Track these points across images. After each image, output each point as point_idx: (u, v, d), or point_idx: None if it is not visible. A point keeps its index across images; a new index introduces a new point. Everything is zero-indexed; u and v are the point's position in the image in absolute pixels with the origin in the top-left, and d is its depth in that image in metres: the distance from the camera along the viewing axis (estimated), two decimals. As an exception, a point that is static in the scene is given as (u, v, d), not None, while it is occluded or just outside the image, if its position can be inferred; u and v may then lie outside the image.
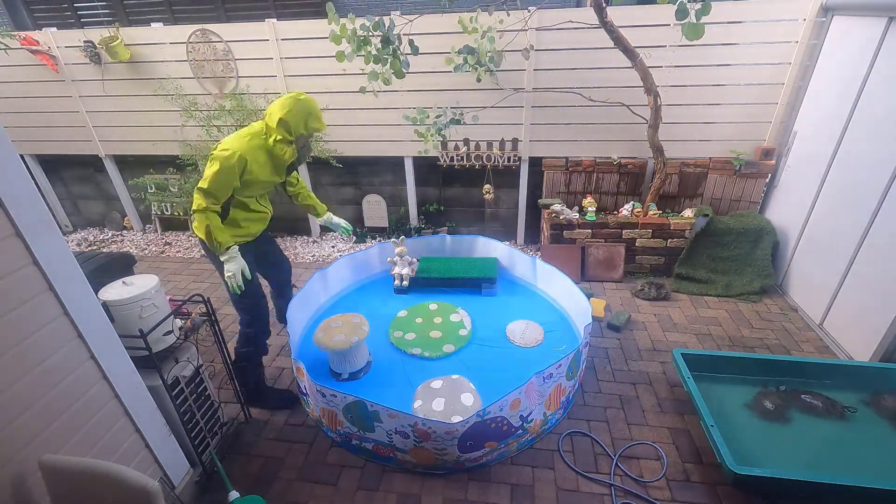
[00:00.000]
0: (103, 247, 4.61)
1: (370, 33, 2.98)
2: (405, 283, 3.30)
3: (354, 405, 1.99)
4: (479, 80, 3.49)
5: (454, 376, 2.45)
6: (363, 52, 3.02)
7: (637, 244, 3.59)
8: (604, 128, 3.68)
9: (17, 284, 1.32)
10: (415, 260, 3.40)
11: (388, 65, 3.05)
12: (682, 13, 2.44)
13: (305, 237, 4.65)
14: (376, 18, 2.94)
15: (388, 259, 3.42)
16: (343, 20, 2.96)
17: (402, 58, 3.07)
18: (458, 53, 3.28)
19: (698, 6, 2.41)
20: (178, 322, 1.97)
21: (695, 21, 2.44)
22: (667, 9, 3.05)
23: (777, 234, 3.36)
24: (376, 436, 2.03)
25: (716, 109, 3.51)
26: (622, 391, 2.51)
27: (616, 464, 2.08)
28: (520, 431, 2.06)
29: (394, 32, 2.99)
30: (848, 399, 2.29)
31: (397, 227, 4.43)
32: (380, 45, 3.00)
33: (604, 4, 2.84)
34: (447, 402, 2.27)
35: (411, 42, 3.12)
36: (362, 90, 3.26)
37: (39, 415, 1.39)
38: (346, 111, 3.94)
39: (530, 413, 2.06)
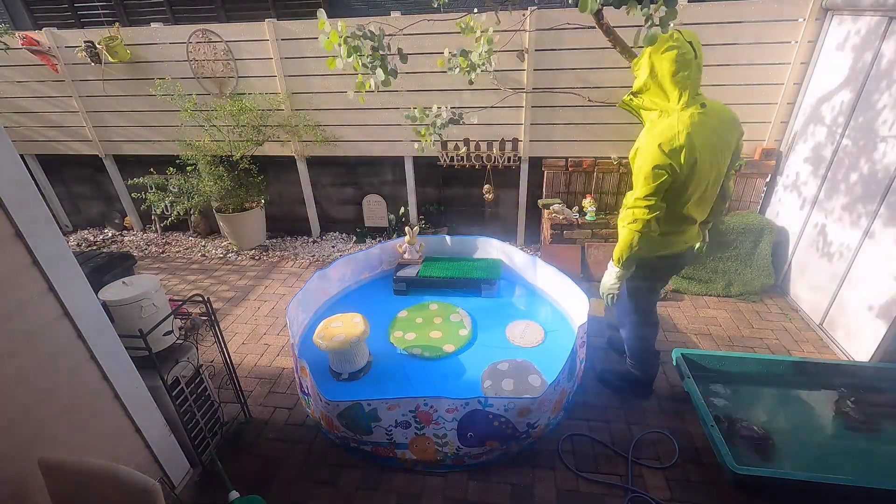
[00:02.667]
0: (103, 247, 4.61)
1: (360, 40, 2.98)
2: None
3: (347, 411, 1.99)
4: (471, 83, 3.47)
5: (519, 359, 2.52)
6: (357, 58, 3.02)
7: (637, 244, 3.58)
8: (604, 128, 3.68)
9: (17, 284, 1.32)
10: (420, 252, 3.50)
11: (376, 73, 3.04)
12: (650, 20, 2.46)
13: (305, 237, 4.65)
14: (365, 27, 2.94)
15: (398, 246, 3.50)
16: (332, 28, 2.96)
17: (390, 66, 3.06)
18: (452, 56, 3.27)
19: (662, 13, 2.42)
20: (178, 322, 1.97)
21: (658, 25, 2.44)
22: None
23: (777, 234, 3.36)
24: (374, 437, 2.03)
25: (716, 109, 3.51)
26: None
27: (616, 464, 2.08)
28: (524, 436, 2.06)
29: (383, 40, 2.98)
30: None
31: (398, 227, 4.44)
32: (369, 52, 2.99)
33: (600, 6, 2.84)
34: (516, 382, 2.33)
35: (400, 50, 3.12)
36: (353, 94, 3.26)
37: (39, 415, 1.39)
38: (346, 111, 3.94)
39: (537, 420, 2.06)
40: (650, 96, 1.80)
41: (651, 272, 2.06)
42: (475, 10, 3.21)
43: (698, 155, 1.70)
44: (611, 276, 2.01)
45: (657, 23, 2.42)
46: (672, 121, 1.71)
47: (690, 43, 1.64)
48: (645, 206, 1.77)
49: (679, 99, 1.71)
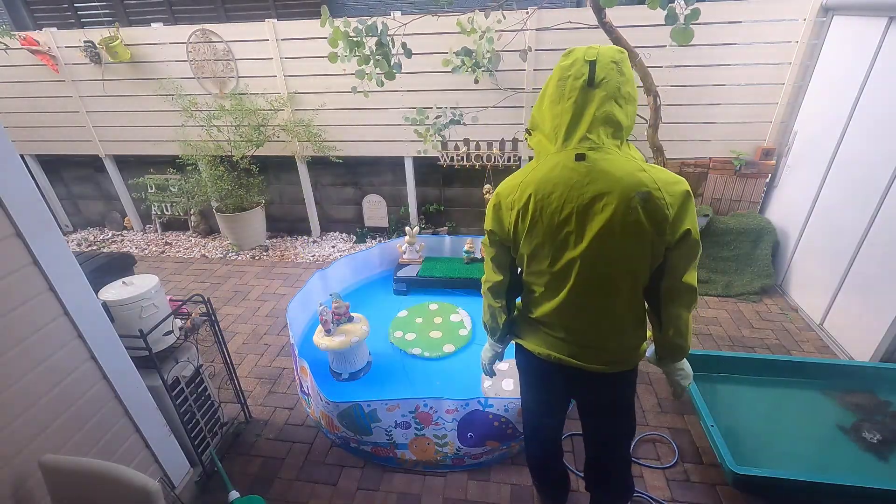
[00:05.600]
0: (103, 247, 4.61)
1: (363, 36, 2.98)
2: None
3: (348, 412, 1.99)
4: (476, 82, 3.48)
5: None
6: (357, 54, 3.02)
7: (637, 244, 3.58)
8: (604, 128, 3.67)
9: (17, 284, 1.31)
10: (420, 252, 3.51)
11: (378, 66, 3.05)
12: (671, 18, 2.45)
13: (305, 237, 4.65)
14: (369, 21, 2.94)
15: (399, 246, 3.55)
16: (337, 23, 2.96)
17: (393, 59, 3.06)
18: (455, 55, 3.27)
19: (688, 11, 2.41)
20: (178, 322, 1.97)
21: (684, 25, 2.44)
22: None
23: (777, 234, 3.36)
24: (374, 438, 2.03)
25: (716, 109, 3.51)
26: (622, 391, 2.50)
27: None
28: (524, 436, 2.06)
29: (387, 35, 2.99)
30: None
31: (398, 227, 4.43)
32: (373, 48, 3.00)
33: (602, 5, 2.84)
34: (516, 382, 2.30)
35: (404, 45, 3.11)
36: (353, 90, 3.26)
37: (39, 415, 1.39)
38: (346, 111, 3.94)
39: None
40: (538, 134, 1.25)
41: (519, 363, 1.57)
42: (475, 11, 3.22)
43: (529, 218, 1.19)
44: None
45: (683, 23, 2.40)
46: (524, 171, 1.23)
47: (593, 63, 1.09)
48: (486, 273, 1.44)
49: (556, 139, 1.16)
